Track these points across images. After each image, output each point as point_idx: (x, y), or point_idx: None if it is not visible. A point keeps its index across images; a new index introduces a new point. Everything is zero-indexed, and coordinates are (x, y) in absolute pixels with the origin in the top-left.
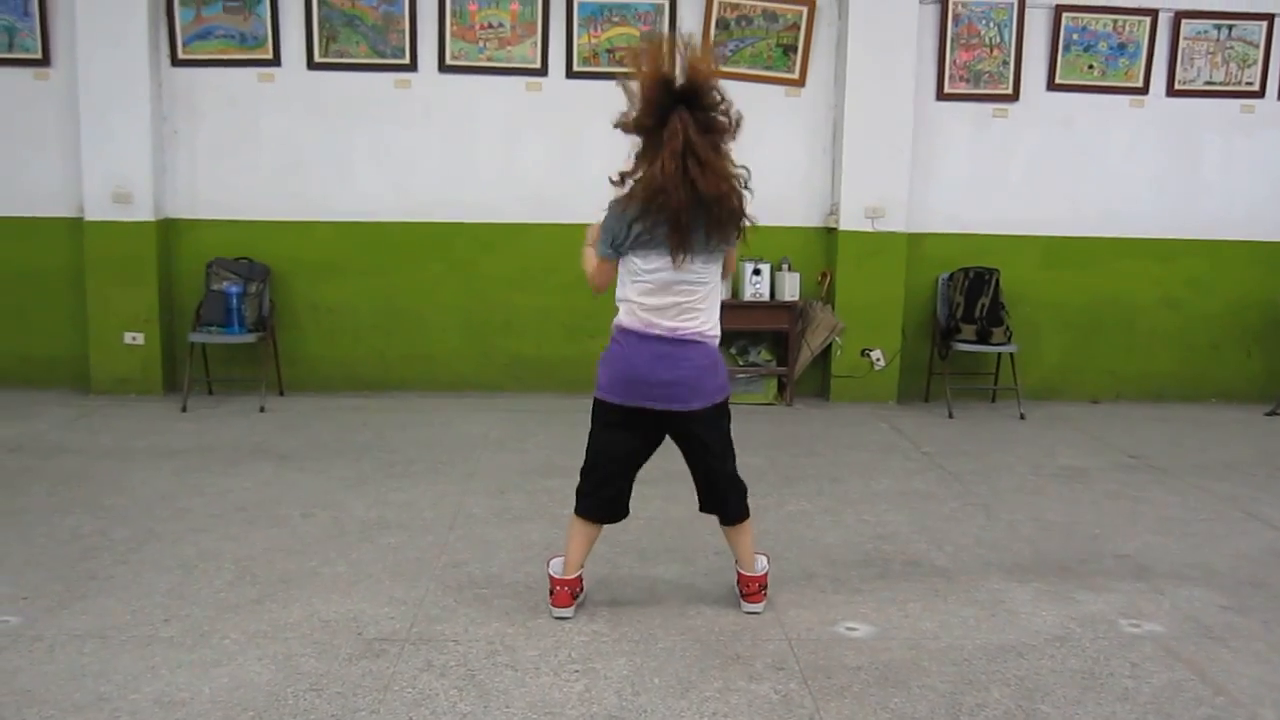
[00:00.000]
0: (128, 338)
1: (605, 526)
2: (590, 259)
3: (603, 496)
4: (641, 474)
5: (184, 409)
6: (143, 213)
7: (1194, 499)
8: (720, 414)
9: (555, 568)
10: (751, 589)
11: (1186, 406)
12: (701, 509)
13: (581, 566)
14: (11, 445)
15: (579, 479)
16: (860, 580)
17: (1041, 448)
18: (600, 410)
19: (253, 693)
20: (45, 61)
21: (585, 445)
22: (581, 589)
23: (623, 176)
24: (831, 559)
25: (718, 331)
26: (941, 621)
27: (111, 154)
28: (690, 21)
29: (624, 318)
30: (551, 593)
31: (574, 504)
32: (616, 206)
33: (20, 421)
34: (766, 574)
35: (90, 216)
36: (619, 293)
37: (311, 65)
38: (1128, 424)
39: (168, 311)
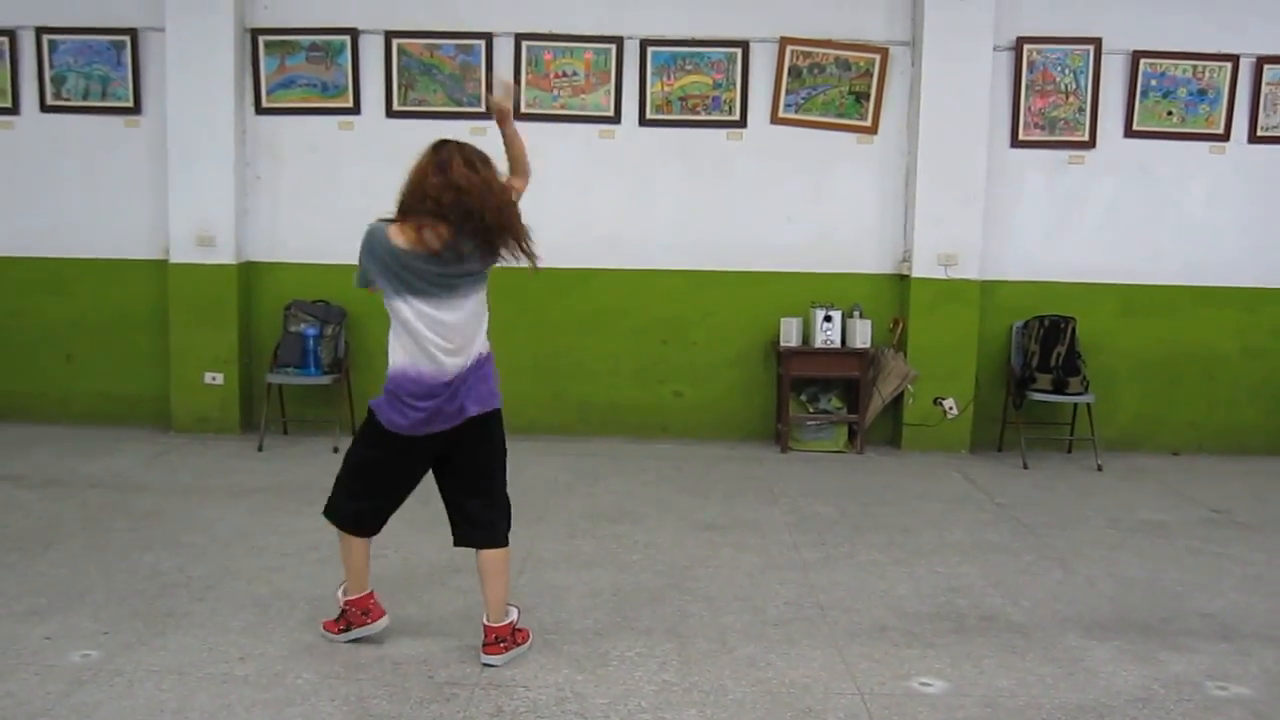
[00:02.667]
0: (208, 378)
1: (665, 578)
2: None
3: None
4: (705, 520)
5: (260, 448)
6: (225, 255)
7: None
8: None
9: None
10: (488, 638)
11: (1271, 460)
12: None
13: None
14: (94, 481)
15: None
16: (934, 634)
17: (1120, 500)
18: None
19: None
20: (136, 110)
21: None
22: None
23: None
24: (904, 611)
25: None
26: (1019, 679)
27: (196, 198)
28: (762, 69)
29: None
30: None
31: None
32: None
33: (104, 458)
34: (510, 624)
35: (175, 259)
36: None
37: (390, 113)
38: (1210, 477)
39: (246, 352)
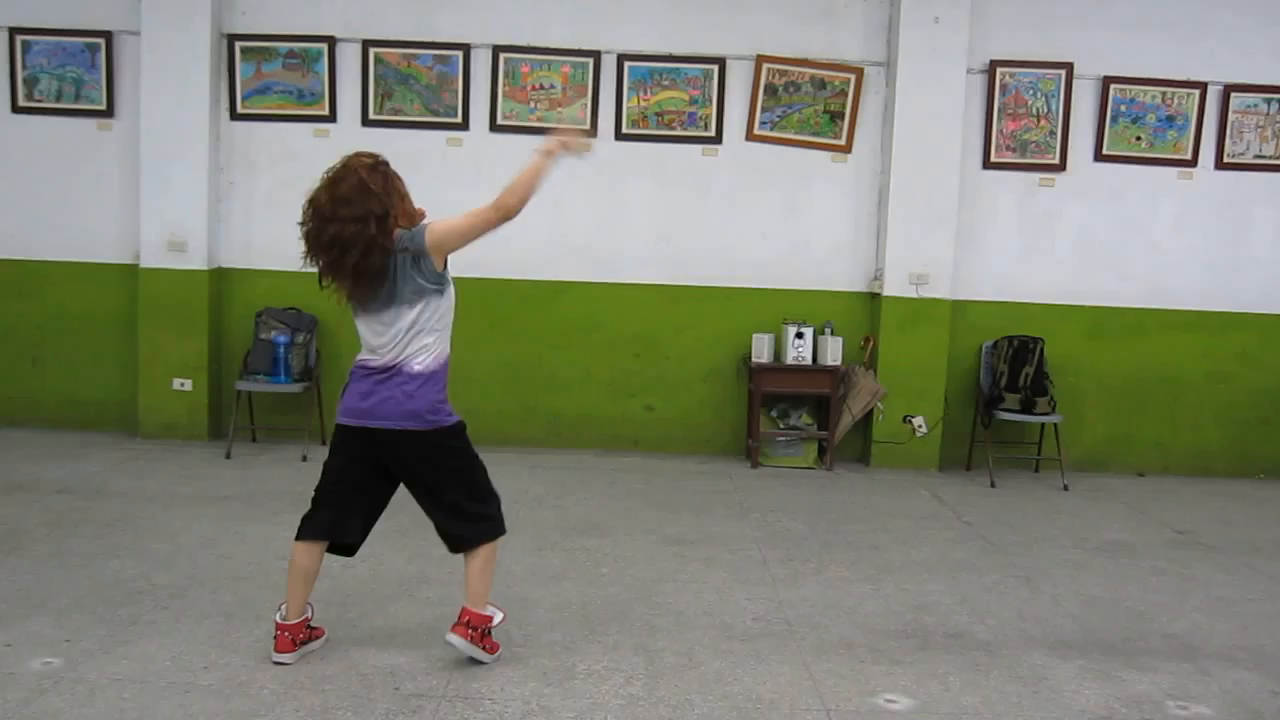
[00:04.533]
0: (176, 384)
1: (633, 592)
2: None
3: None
4: (675, 534)
5: (228, 456)
6: (196, 261)
7: (1243, 578)
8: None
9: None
10: (460, 617)
11: (1235, 482)
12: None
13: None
14: (60, 487)
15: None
16: (900, 651)
17: (1086, 521)
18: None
19: None
20: (109, 113)
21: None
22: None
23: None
24: (871, 628)
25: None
26: (983, 697)
27: (169, 203)
28: (739, 86)
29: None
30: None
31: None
32: None
33: (69, 463)
34: (489, 618)
35: (146, 263)
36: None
37: (366, 122)
38: (1174, 499)
39: (216, 359)
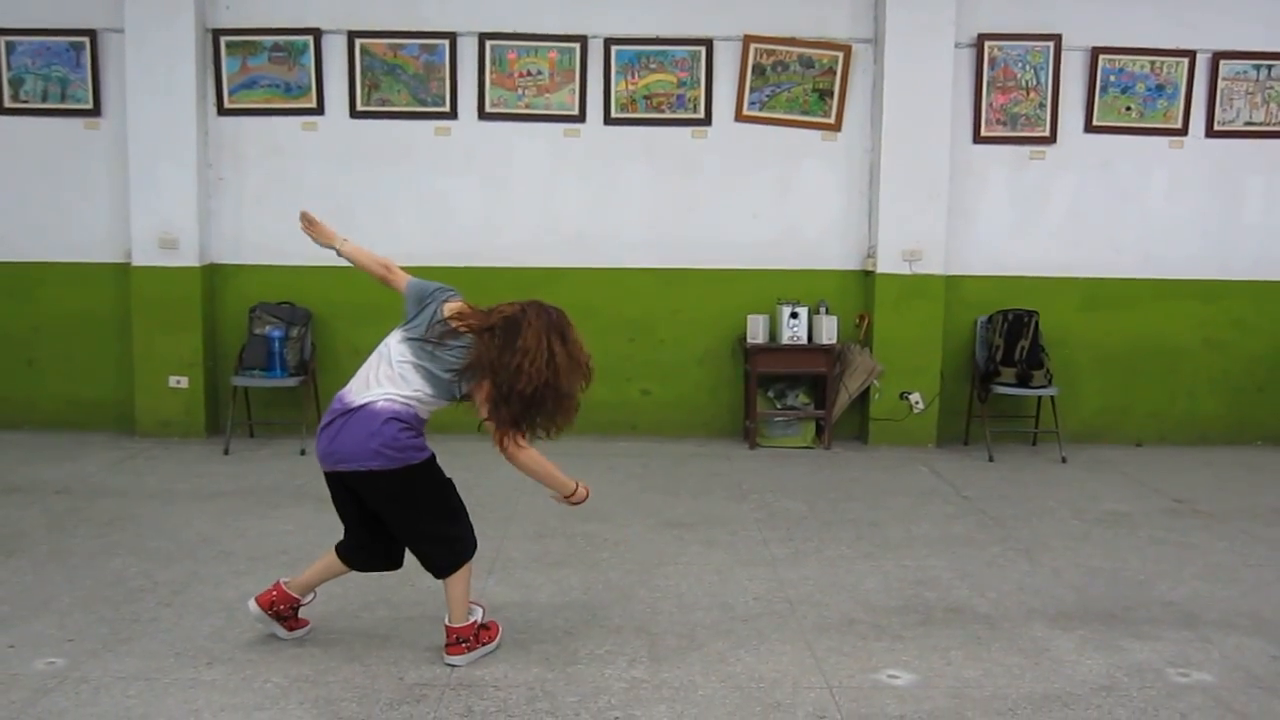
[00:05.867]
0: (172, 381)
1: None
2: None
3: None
4: (674, 517)
5: (226, 451)
6: (188, 258)
7: (1242, 545)
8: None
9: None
10: (449, 639)
11: (1232, 450)
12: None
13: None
14: (58, 487)
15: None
16: (901, 627)
17: (1084, 492)
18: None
19: None
20: (96, 111)
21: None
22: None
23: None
24: (872, 605)
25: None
26: (985, 670)
27: (158, 201)
28: (726, 67)
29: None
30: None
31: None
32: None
33: (67, 463)
34: (473, 624)
35: (137, 262)
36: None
37: (354, 114)
38: (1172, 468)
39: (211, 355)
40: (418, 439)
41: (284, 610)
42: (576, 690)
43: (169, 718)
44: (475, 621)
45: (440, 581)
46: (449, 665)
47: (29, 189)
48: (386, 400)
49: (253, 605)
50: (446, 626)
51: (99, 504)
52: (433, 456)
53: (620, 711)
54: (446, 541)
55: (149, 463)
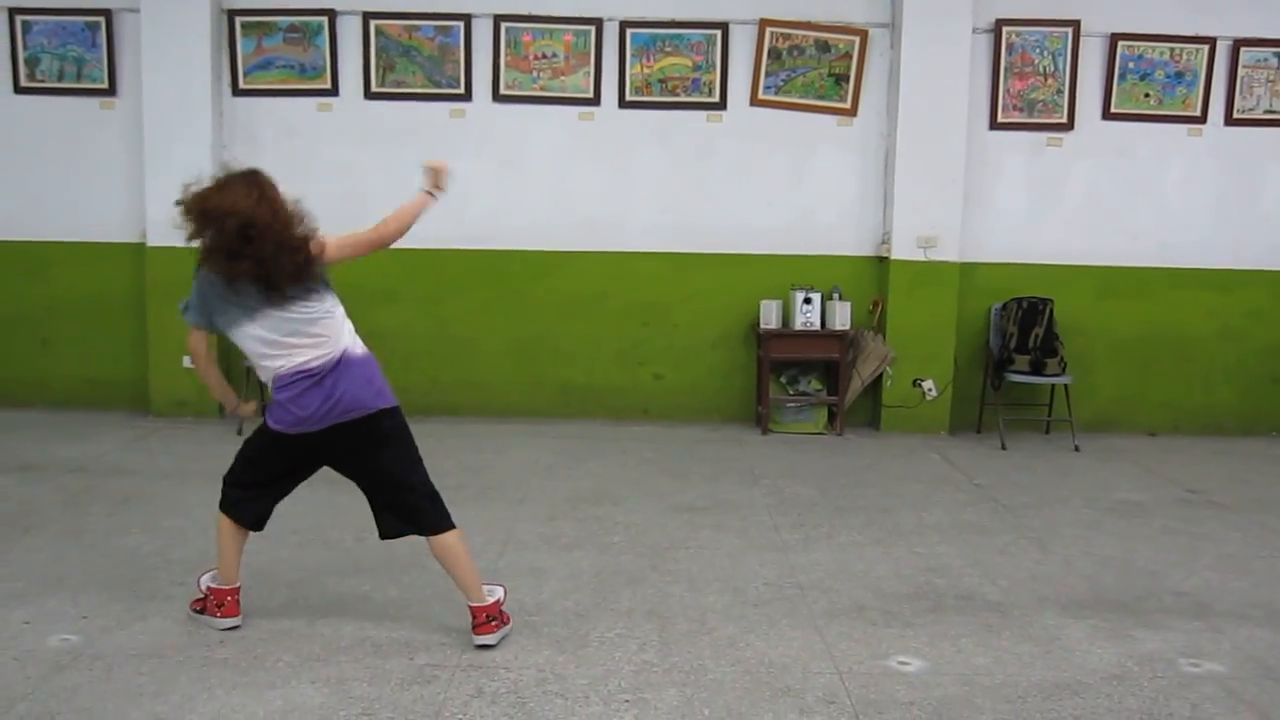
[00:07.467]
0: (186, 361)
1: (645, 559)
2: None
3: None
4: (686, 502)
5: (239, 432)
6: None
7: (1255, 536)
8: None
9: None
10: (477, 619)
11: (1246, 440)
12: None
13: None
14: (73, 466)
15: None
16: (912, 614)
17: (1097, 481)
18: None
19: (305, 715)
20: (111, 91)
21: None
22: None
23: None
24: (883, 591)
25: None
26: (995, 658)
27: (174, 181)
28: (742, 51)
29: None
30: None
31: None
32: None
33: (82, 442)
34: (497, 602)
35: (152, 242)
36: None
37: (369, 95)
38: (1186, 458)
39: (224, 336)
40: None
41: (216, 604)
42: (587, 673)
43: (182, 695)
44: (499, 600)
45: (437, 560)
46: (480, 647)
47: (45, 169)
48: (353, 345)
49: (234, 621)
50: (471, 608)
51: (113, 483)
52: None
53: (630, 694)
54: (430, 491)
55: (163, 442)
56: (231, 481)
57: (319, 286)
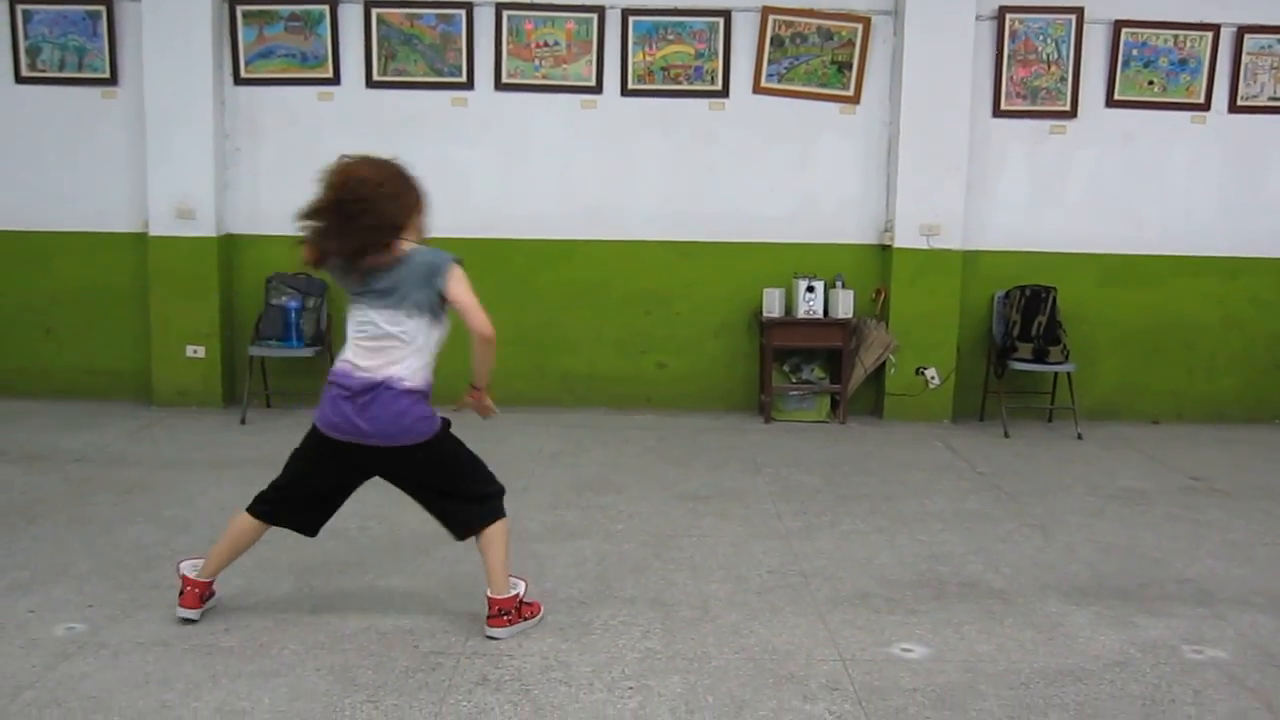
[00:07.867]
0: (189, 351)
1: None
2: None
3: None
4: (689, 490)
5: (243, 421)
6: (205, 228)
7: (1258, 523)
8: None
9: None
10: (490, 610)
11: (1250, 428)
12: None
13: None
14: (76, 456)
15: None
16: (915, 601)
17: (1100, 469)
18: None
19: (311, 703)
20: (113, 81)
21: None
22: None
23: None
24: (886, 579)
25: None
26: (998, 644)
27: (175, 171)
28: (744, 39)
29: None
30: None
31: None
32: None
33: (85, 432)
34: (515, 598)
35: (154, 232)
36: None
37: (370, 84)
38: (1189, 445)
39: (228, 325)
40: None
41: (209, 594)
42: (590, 660)
43: (187, 682)
44: (518, 595)
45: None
46: (490, 638)
47: (46, 159)
48: (404, 372)
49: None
50: (489, 598)
51: (117, 472)
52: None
53: (634, 682)
54: (477, 495)
55: (166, 432)
56: (274, 482)
57: (415, 296)
